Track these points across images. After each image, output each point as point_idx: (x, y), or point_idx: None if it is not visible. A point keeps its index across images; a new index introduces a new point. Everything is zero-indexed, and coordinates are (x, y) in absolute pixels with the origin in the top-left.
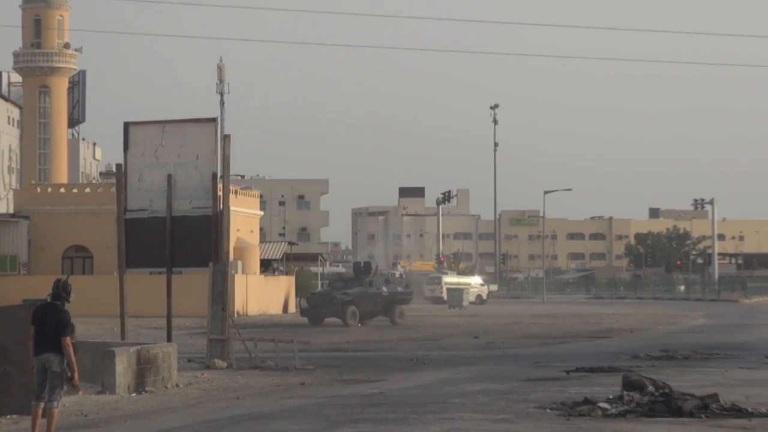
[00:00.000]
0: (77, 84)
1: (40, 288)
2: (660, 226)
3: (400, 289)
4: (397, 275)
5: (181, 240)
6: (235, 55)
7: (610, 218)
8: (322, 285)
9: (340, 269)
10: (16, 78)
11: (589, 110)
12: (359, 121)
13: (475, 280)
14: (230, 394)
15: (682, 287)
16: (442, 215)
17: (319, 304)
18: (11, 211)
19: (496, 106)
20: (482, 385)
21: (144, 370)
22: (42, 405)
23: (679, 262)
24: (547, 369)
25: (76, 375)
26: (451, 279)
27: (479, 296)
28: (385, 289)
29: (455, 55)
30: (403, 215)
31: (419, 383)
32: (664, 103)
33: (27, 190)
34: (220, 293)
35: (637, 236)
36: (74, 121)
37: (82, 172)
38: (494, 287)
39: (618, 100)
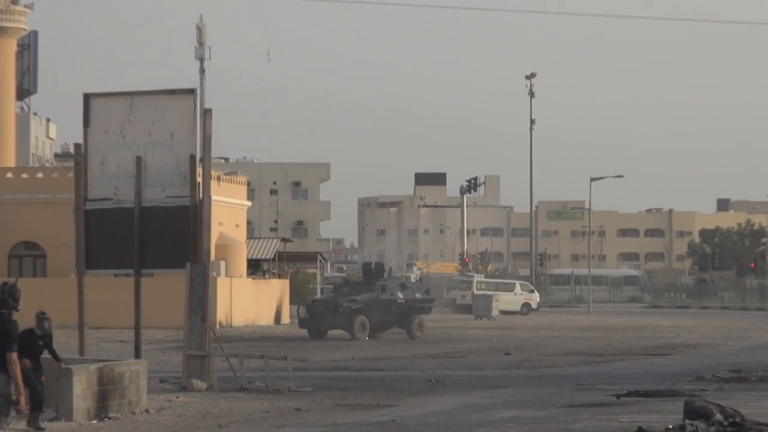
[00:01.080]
0: (28, 48)
1: None
2: (730, 220)
3: (418, 295)
4: (412, 279)
5: (152, 236)
6: (218, 13)
7: (670, 211)
8: (322, 290)
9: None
10: None
11: (645, 82)
12: (367, 95)
13: (522, 285)
14: (211, 422)
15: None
16: (466, 207)
17: (322, 314)
18: None
19: (533, 75)
20: (514, 412)
21: (107, 392)
22: None
23: (753, 264)
24: (593, 392)
25: (22, 399)
26: (486, 283)
27: (526, 305)
28: (400, 295)
29: (483, 13)
30: (419, 207)
31: (438, 409)
32: (735, 73)
33: None
34: (199, 300)
35: (703, 233)
36: (24, 92)
37: (33, 154)
38: None
39: (679, 70)
